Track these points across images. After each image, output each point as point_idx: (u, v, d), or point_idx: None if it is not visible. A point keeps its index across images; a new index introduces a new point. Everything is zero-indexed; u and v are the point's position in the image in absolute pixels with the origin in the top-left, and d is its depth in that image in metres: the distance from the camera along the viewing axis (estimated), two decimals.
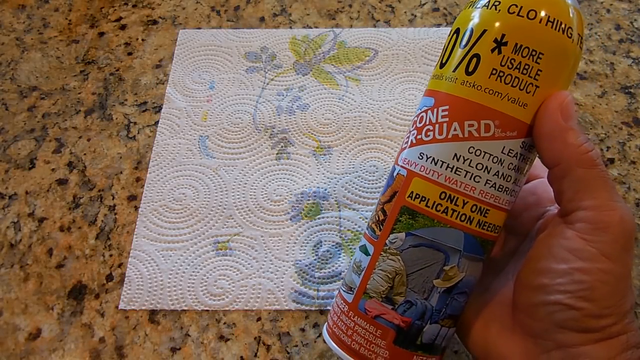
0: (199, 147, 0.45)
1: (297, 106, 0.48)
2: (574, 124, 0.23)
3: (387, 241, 0.26)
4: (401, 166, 0.26)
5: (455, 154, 0.24)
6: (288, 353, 0.36)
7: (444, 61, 0.26)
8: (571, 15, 0.24)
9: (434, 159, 0.25)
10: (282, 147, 0.45)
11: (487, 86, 0.24)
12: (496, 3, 0.24)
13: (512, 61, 0.23)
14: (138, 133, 0.47)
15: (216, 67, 0.51)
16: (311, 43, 0.52)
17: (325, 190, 0.43)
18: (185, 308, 0.37)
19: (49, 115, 0.48)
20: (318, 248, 0.40)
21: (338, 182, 0.43)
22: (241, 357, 0.36)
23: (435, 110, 0.25)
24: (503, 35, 0.24)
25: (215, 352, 0.36)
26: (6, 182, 0.44)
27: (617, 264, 0.22)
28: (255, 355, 0.36)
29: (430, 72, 0.49)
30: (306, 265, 0.39)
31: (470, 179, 0.24)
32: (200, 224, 0.41)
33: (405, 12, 0.54)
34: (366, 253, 0.27)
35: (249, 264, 0.39)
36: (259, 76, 0.50)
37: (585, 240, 0.22)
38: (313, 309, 0.37)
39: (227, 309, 0.37)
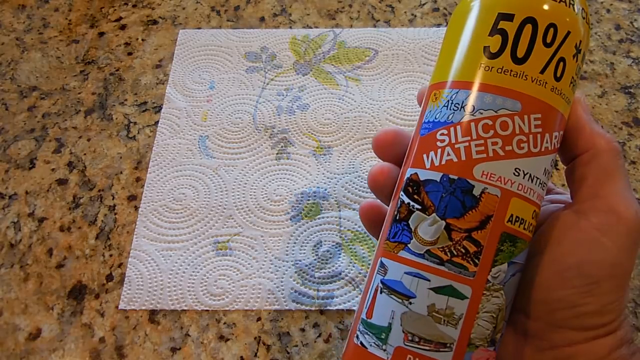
0: (199, 147, 0.45)
1: (297, 106, 0.48)
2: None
3: (489, 277, 0.21)
4: (489, 183, 0.22)
5: (545, 169, 0.22)
6: (288, 353, 0.36)
7: (520, 55, 0.22)
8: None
9: (530, 175, 0.22)
10: (282, 147, 0.45)
11: (568, 94, 0.23)
12: (573, 2, 0.22)
13: (579, 70, 0.23)
14: (138, 133, 0.47)
15: (216, 67, 0.51)
16: (311, 43, 0.52)
17: (325, 190, 0.43)
18: (185, 308, 0.37)
19: (49, 115, 0.48)
20: (318, 248, 0.40)
21: (338, 182, 0.43)
22: (241, 357, 0.36)
23: (526, 117, 0.22)
24: (580, 42, 0.22)
25: (215, 352, 0.36)
26: (6, 182, 0.44)
27: (628, 259, 0.22)
28: (255, 355, 0.36)
29: (430, 72, 0.49)
30: (306, 265, 0.39)
31: (544, 191, 0.23)
32: (200, 224, 0.41)
33: (405, 12, 0.54)
34: (459, 296, 0.21)
35: (249, 264, 0.39)
36: (259, 76, 0.50)
37: (599, 231, 0.22)
38: (313, 309, 0.37)
39: (227, 309, 0.37)
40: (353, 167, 0.44)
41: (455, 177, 0.22)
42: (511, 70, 0.22)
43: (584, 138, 0.24)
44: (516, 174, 0.22)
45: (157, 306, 0.38)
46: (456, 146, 0.22)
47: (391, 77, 0.49)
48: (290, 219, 0.41)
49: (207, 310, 0.37)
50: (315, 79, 0.49)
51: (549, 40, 0.22)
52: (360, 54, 0.51)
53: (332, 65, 0.50)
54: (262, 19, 0.54)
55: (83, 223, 0.42)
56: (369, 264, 0.39)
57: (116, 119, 0.47)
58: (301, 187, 0.43)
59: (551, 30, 0.22)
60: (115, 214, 0.42)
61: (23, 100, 0.49)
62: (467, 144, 0.22)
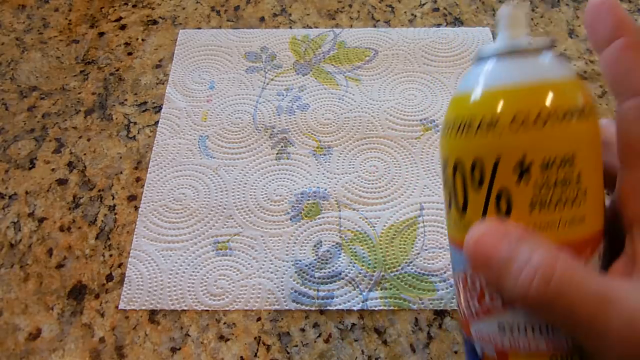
0: (199, 147, 0.45)
1: (297, 106, 0.48)
2: None
3: None
4: (484, 343, 0.21)
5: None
6: (288, 353, 0.36)
7: (461, 206, 0.21)
8: (577, 93, 0.19)
9: (518, 327, 0.20)
10: (282, 147, 0.45)
11: (533, 222, 0.19)
12: (493, 122, 0.19)
13: (548, 180, 0.19)
14: (138, 133, 0.47)
15: (216, 67, 0.51)
16: (311, 43, 0.52)
17: (325, 190, 0.43)
18: (185, 308, 0.37)
19: (49, 115, 0.48)
20: (318, 248, 0.40)
21: (338, 182, 0.43)
22: (241, 357, 0.36)
23: None
24: (524, 157, 0.19)
25: (215, 352, 0.36)
26: (6, 182, 0.44)
27: None
28: (255, 355, 0.36)
29: (430, 72, 0.49)
30: (306, 265, 0.39)
31: (555, 336, 0.20)
32: (200, 224, 0.41)
33: (405, 12, 0.54)
34: None
35: (249, 264, 0.39)
36: (259, 76, 0.50)
37: None
38: (313, 309, 0.37)
39: (227, 309, 0.37)
40: (353, 167, 0.44)
41: (466, 337, 0.22)
42: (460, 224, 0.21)
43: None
44: (501, 329, 0.20)
45: (157, 306, 0.38)
46: (460, 305, 0.22)
47: (391, 77, 0.49)
48: (290, 219, 0.41)
49: (207, 310, 0.37)
50: (315, 79, 0.49)
51: (477, 181, 0.20)
52: (360, 54, 0.51)
53: (332, 65, 0.50)
54: (262, 19, 0.54)
55: (83, 223, 0.42)
56: (369, 264, 0.39)
57: (116, 119, 0.47)
58: (301, 187, 0.43)
59: (477, 167, 0.20)
60: (115, 214, 0.42)
61: (23, 100, 0.49)
62: (460, 302, 0.22)
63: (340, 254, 0.39)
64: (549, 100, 0.19)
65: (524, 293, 0.18)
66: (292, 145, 0.45)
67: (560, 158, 0.19)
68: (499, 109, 0.19)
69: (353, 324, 0.37)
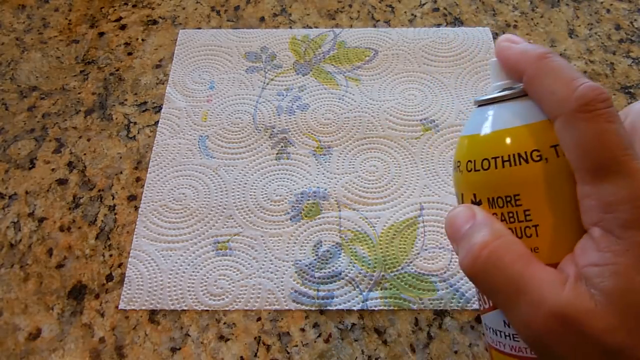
0: (199, 147, 0.45)
1: (297, 106, 0.48)
2: None
3: None
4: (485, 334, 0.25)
5: (504, 321, 0.23)
6: (288, 353, 0.36)
7: None
8: (524, 138, 0.21)
9: (493, 329, 0.23)
10: (282, 147, 0.45)
11: None
12: (458, 164, 0.23)
13: (496, 215, 0.22)
14: (138, 133, 0.47)
15: (216, 67, 0.51)
16: (311, 43, 0.52)
17: (325, 190, 0.43)
18: (185, 308, 0.37)
19: (49, 115, 0.48)
20: (318, 248, 0.40)
21: (338, 182, 0.43)
22: (241, 357, 0.36)
23: None
24: (474, 195, 0.22)
25: (215, 352, 0.36)
26: (6, 182, 0.44)
27: None
28: (255, 355, 0.36)
29: (430, 72, 0.50)
30: (306, 265, 0.39)
31: (519, 342, 0.22)
32: (200, 224, 0.41)
33: (405, 12, 0.54)
34: None
35: (249, 264, 0.39)
36: (259, 76, 0.50)
37: None
38: (313, 309, 0.37)
39: (227, 309, 0.37)
40: (353, 167, 0.44)
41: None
42: None
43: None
44: (486, 327, 0.24)
45: (157, 306, 0.38)
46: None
47: (391, 77, 0.49)
48: (290, 219, 0.41)
49: (207, 310, 0.37)
50: (315, 79, 0.49)
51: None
52: (360, 54, 0.51)
53: (332, 65, 0.50)
54: (262, 19, 0.54)
55: (83, 223, 0.42)
56: (369, 264, 0.39)
57: (116, 119, 0.47)
58: (301, 187, 0.43)
59: (458, 195, 0.25)
60: (115, 214, 0.42)
61: (23, 100, 0.49)
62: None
63: (340, 254, 0.39)
64: (494, 147, 0.22)
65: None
66: (292, 145, 0.45)
67: (502, 197, 0.21)
68: (462, 155, 0.23)
69: (353, 324, 0.37)
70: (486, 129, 0.22)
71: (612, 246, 0.18)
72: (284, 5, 0.55)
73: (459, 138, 0.24)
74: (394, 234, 0.40)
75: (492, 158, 0.21)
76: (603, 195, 0.19)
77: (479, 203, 0.22)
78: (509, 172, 0.21)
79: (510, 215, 0.21)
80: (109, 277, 0.39)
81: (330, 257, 0.39)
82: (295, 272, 0.39)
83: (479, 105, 0.23)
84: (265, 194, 0.43)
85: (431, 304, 0.37)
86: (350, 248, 0.40)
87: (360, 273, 0.39)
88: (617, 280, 0.18)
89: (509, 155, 0.21)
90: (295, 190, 0.43)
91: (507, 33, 0.24)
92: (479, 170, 0.22)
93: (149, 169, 0.44)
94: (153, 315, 0.37)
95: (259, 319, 0.37)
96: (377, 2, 0.55)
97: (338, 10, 0.55)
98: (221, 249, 0.40)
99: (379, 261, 0.39)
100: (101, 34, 0.53)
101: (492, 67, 0.23)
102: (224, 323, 0.37)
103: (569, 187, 0.20)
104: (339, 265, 0.39)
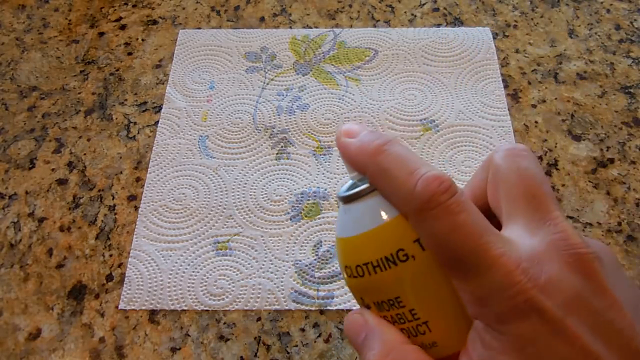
0: (199, 147, 0.45)
1: (297, 106, 0.48)
2: None
3: None
4: None
5: None
6: (288, 353, 0.36)
7: None
8: (387, 239, 0.21)
9: None
10: (282, 147, 0.45)
11: None
12: (340, 267, 0.23)
13: (387, 317, 0.21)
14: (138, 133, 0.47)
15: (216, 67, 0.51)
16: (311, 43, 0.52)
17: (325, 190, 0.43)
18: (185, 308, 0.37)
19: (49, 115, 0.48)
20: (318, 248, 0.40)
21: (338, 182, 0.43)
22: (241, 357, 0.36)
23: None
24: (362, 299, 0.22)
25: (215, 352, 0.36)
26: (6, 182, 0.44)
27: None
28: (255, 355, 0.36)
29: (430, 72, 0.50)
30: (306, 265, 0.39)
31: None
32: (200, 224, 0.41)
33: (405, 12, 0.54)
34: None
35: (249, 264, 0.39)
36: (259, 76, 0.50)
37: None
38: (313, 309, 0.37)
39: (227, 309, 0.37)
40: None
41: None
42: None
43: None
44: None
45: (157, 306, 0.38)
46: None
47: (391, 77, 0.49)
48: (290, 219, 0.41)
49: (207, 310, 0.37)
50: (315, 79, 0.49)
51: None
52: (360, 54, 0.51)
53: (332, 65, 0.50)
54: (262, 19, 0.54)
55: (83, 223, 0.42)
56: None
57: (116, 119, 0.47)
58: (301, 187, 0.43)
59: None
60: (115, 214, 0.42)
61: (23, 100, 0.49)
62: None
63: None
64: (362, 253, 0.21)
65: None
66: (292, 145, 0.45)
67: (386, 301, 0.21)
68: (340, 259, 0.22)
69: None
70: (351, 231, 0.22)
71: (493, 343, 0.18)
72: (284, 5, 0.55)
73: (335, 237, 0.23)
74: None
75: (364, 264, 0.21)
76: (472, 289, 0.18)
77: (368, 307, 0.22)
78: (382, 277, 0.21)
79: (399, 316, 0.21)
80: (109, 277, 0.39)
81: (330, 257, 0.39)
82: (295, 272, 0.39)
83: (343, 202, 0.22)
84: (265, 194, 0.43)
85: None
86: None
87: None
88: None
89: (377, 260, 0.21)
90: (295, 190, 0.43)
91: (348, 123, 0.22)
92: (356, 276, 0.21)
93: (149, 169, 0.44)
94: (153, 315, 0.37)
95: (259, 319, 0.37)
96: (377, 2, 0.55)
97: (338, 10, 0.55)
98: (221, 249, 0.40)
99: None
100: (101, 34, 0.54)
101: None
102: (224, 323, 0.37)
103: (445, 277, 0.20)
104: (339, 265, 0.39)
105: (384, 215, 0.21)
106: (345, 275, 0.22)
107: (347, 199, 0.22)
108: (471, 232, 0.18)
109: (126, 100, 0.49)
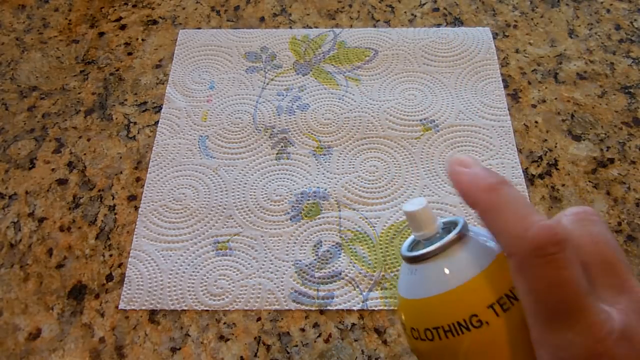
0: (199, 147, 0.45)
1: (297, 106, 0.48)
2: None
3: None
4: None
5: None
6: (288, 353, 0.36)
7: None
8: (460, 303, 0.20)
9: None
10: (282, 147, 0.45)
11: None
12: (403, 325, 0.22)
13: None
14: (138, 133, 0.47)
15: (216, 67, 0.51)
16: (311, 43, 0.52)
17: (325, 190, 0.43)
18: (185, 308, 0.37)
19: (49, 115, 0.48)
20: (318, 248, 0.40)
21: (338, 182, 0.43)
22: (241, 357, 0.36)
23: None
24: None
25: (215, 352, 0.36)
26: (6, 182, 0.44)
27: None
28: (255, 355, 0.36)
29: (430, 72, 0.50)
30: (306, 265, 0.39)
31: None
32: (200, 224, 0.41)
33: (405, 12, 0.54)
34: None
35: (249, 264, 0.39)
36: (259, 76, 0.50)
37: None
38: (313, 309, 0.37)
39: (227, 309, 0.37)
40: (353, 167, 0.44)
41: None
42: None
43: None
44: None
45: (157, 306, 0.38)
46: None
47: (391, 77, 0.49)
48: (290, 219, 0.41)
49: (207, 310, 0.37)
50: (315, 79, 0.49)
51: None
52: (360, 54, 0.51)
53: (332, 65, 0.50)
54: (262, 19, 0.54)
55: (83, 223, 0.42)
56: (369, 264, 0.39)
57: (116, 119, 0.47)
58: (301, 187, 0.43)
59: None
60: (115, 214, 0.42)
61: (23, 100, 0.49)
62: None
63: (340, 254, 0.39)
64: (433, 316, 0.21)
65: None
66: (292, 145, 0.45)
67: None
68: (405, 319, 0.22)
69: (353, 324, 0.37)
70: (419, 293, 0.21)
71: None
72: (284, 5, 0.55)
73: (397, 295, 0.23)
74: (394, 234, 0.40)
75: (434, 328, 0.20)
76: (559, 342, 0.18)
77: None
78: (453, 343, 0.20)
79: None
80: (109, 277, 0.39)
81: (330, 257, 0.39)
82: (295, 272, 0.39)
83: (409, 262, 0.22)
84: (265, 194, 0.43)
85: None
86: (350, 248, 0.40)
87: (360, 273, 0.39)
88: None
89: (449, 325, 0.20)
90: (295, 190, 0.43)
91: (457, 155, 0.22)
92: (424, 339, 0.21)
93: (149, 169, 0.44)
94: (153, 315, 0.37)
95: (259, 319, 0.37)
96: (377, 2, 0.55)
97: (338, 10, 0.55)
98: (221, 249, 0.40)
99: (379, 261, 0.39)
100: (101, 34, 0.54)
101: (410, 217, 0.22)
102: (224, 323, 0.37)
103: (517, 342, 0.20)
104: (339, 265, 0.39)
105: (457, 279, 0.20)
106: (412, 338, 0.21)
107: (415, 260, 0.21)
108: (575, 291, 0.18)
109: (126, 100, 0.49)
